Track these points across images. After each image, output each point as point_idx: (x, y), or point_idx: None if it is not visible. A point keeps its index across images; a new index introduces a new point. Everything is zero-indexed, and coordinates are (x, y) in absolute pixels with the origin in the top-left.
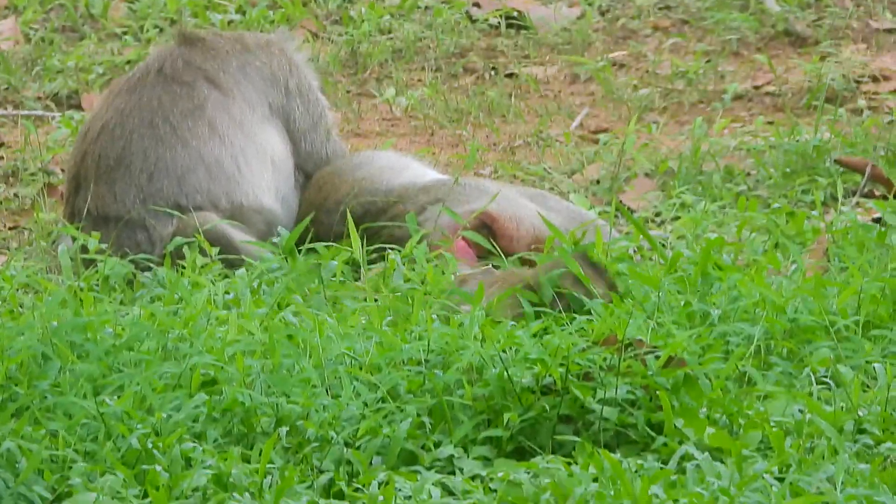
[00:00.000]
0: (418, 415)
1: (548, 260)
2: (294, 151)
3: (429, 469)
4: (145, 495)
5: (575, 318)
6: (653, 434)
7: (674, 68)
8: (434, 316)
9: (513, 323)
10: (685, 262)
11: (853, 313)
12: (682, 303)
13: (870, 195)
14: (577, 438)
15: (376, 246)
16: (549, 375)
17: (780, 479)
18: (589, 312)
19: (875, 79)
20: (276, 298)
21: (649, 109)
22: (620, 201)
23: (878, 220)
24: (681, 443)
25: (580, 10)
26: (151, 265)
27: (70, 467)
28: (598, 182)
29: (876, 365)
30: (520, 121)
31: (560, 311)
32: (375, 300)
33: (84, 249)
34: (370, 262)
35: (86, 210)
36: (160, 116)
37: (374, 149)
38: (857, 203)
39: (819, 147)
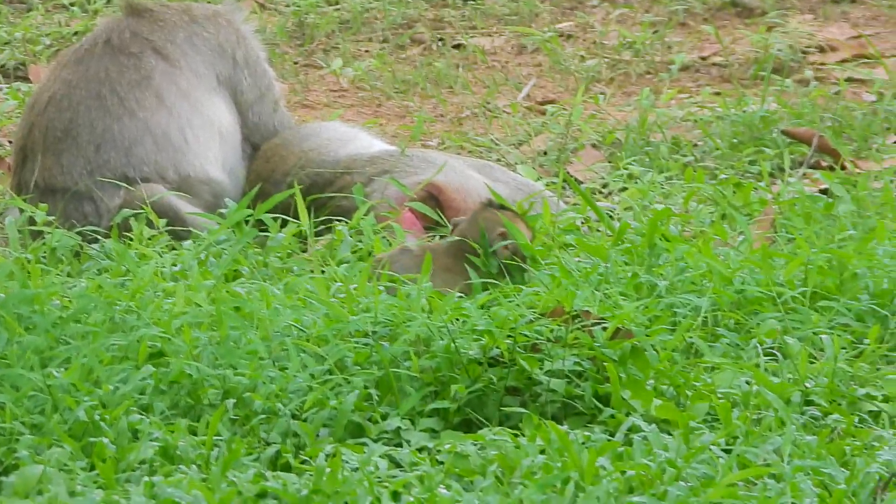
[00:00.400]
0: (365, 387)
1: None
2: (241, 123)
3: (376, 441)
4: (92, 468)
5: (522, 290)
6: (600, 406)
7: (621, 39)
8: (381, 287)
9: (459, 294)
10: (632, 233)
11: (800, 284)
12: (630, 274)
13: (816, 166)
14: (524, 410)
15: (323, 217)
16: (497, 347)
17: (727, 451)
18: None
19: (822, 49)
20: (224, 270)
21: (596, 80)
22: (567, 172)
23: (824, 191)
24: (628, 414)
25: None
26: (99, 237)
27: (17, 440)
28: (545, 153)
29: (823, 336)
30: (467, 92)
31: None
32: (323, 272)
33: (31, 221)
34: (317, 234)
35: (33, 182)
36: (108, 88)
37: (322, 120)
38: (804, 174)
39: (766, 118)
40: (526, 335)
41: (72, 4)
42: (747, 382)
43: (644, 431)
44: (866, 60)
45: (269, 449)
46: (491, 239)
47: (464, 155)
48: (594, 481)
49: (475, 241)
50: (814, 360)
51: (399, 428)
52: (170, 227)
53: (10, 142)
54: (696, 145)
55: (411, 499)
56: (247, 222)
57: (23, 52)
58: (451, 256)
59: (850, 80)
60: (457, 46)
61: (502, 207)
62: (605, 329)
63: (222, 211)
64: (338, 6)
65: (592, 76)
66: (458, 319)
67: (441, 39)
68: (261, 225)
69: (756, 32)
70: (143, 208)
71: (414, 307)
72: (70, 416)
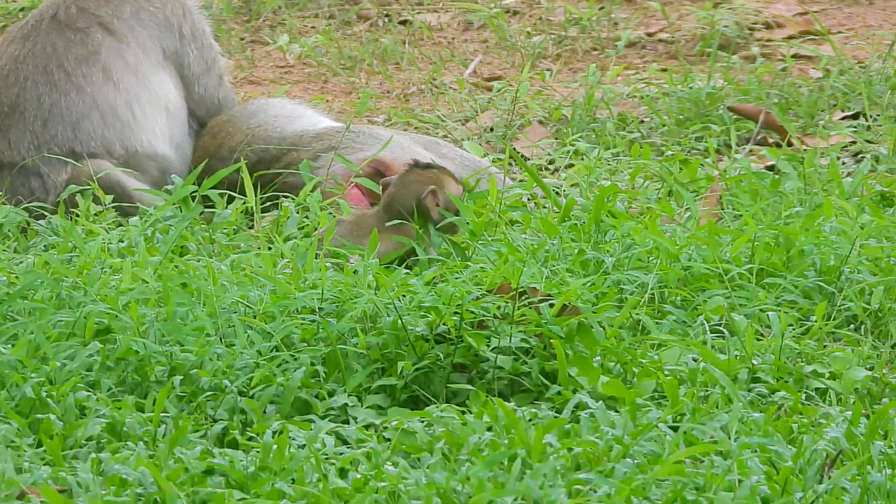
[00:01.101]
0: (312, 364)
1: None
2: (187, 97)
3: (323, 418)
4: (39, 444)
5: (468, 266)
6: (547, 383)
7: (567, 15)
8: (328, 264)
9: (406, 271)
10: (579, 209)
11: (747, 261)
12: (576, 251)
13: (763, 143)
14: (470, 387)
15: (270, 194)
16: (443, 324)
17: (675, 428)
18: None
19: (768, 26)
20: (170, 246)
21: (543, 57)
22: (514, 149)
23: (771, 168)
24: (575, 391)
25: None
26: (46, 213)
27: None
28: (491, 129)
29: (770, 313)
30: (413, 68)
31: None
32: (269, 248)
33: None
34: (264, 211)
35: None
36: (54, 63)
37: (268, 96)
38: (751, 151)
39: (712, 94)
40: (473, 312)
41: None
42: (694, 359)
43: (591, 408)
44: (813, 37)
45: (216, 426)
46: (421, 197)
47: (410, 131)
48: (541, 458)
49: (405, 202)
50: (761, 337)
51: (346, 405)
52: (116, 203)
53: None
54: (642, 122)
55: (358, 476)
56: (193, 198)
57: None
58: (384, 220)
59: (796, 56)
60: (403, 22)
61: (429, 166)
62: (551, 306)
63: (169, 187)
64: None
65: (539, 52)
66: (404, 296)
67: (387, 15)
68: (207, 201)
69: (702, 9)
70: (89, 184)
71: (360, 284)
72: (17, 392)
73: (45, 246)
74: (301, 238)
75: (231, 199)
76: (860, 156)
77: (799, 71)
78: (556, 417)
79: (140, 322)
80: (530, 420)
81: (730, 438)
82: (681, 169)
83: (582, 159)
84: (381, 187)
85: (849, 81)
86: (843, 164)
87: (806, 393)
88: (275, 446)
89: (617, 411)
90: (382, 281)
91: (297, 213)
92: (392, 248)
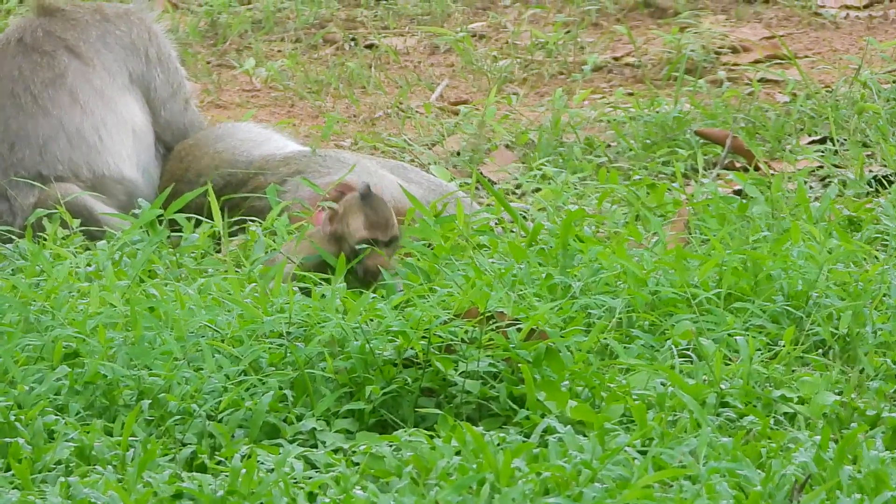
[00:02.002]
0: (280, 388)
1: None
2: (153, 121)
3: (291, 442)
4: (8, 468)
5: (436, 290)
6: (515, 407)
7: (533, 39)
8: (295, 288)
9: (374, 296)
10: (546, 234)
11: (714, 286)
12: (544, 275)
13: (730, 167)
14: (439, 411)
15: (237, 218)
16: (411, 348)
17: (643, 453)
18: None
19: (735, 50)
20: (138, 270)
21: (509, 81)
22: (481, 173)
23: (738, 192)
24: (543, 416)
25: None
26: (13, 237)
27: None
28: (458, 154)
29: (738, 338)
30: (380, 92)
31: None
32: (236, 272)
33: None
34: (231, 235)
35: None
36: (21, 86)
37: (235, 120)
38: (718, 175)
39: (679, 118)
40: (440, 336)
41: None
42: (662, 384)
43: (559, 433)
44: (779, 61)
45: (184, 450)
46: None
47: (377, 155)
48: (510, 482)
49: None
50: (729, 362)
51: (314, 429)
52: (84, 227)
53: None
54: (609, 146)
55: (327, 500)
56: (160, 222)
57: None
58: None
59: (763, 80)
60: (369, 46)
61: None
62: (519, 330)
63: (136, 211)
64: (250, 6)
65: (505, 76)
66: (372, 320)
67: (353, 39)
68: (175, 225)
69: (669, 33)
70: (57, 208)
71: (328, 308)
72: None
73: (12, 270)
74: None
75: (198, 223)
76: (827, 180)
77: (766, 95)
78: (524, 442)
79: (108, 346)
80: (499, 444)
81: (698, 463)
82: (648, 193)
83: (549, 183)
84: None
85: (816, 106)
86: (811, 188)
87: (774, 417)
88: (243, 470)
89: (585, 436)
90: (350, 305)
91: (264, 237)
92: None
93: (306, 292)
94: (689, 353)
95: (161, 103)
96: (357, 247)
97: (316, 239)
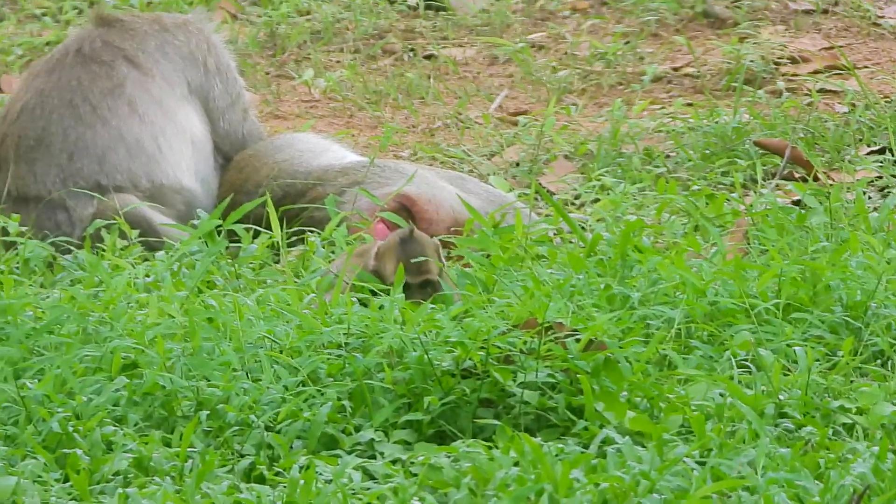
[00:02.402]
0: (339, 398)
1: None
2: (212, 130)
3: (349, 453)
4: (66, 479)
5: (495, 301)
6: (573, 418)
7: (593, 50)
8: (354, 299)
9: (432, 306)
10: (605, 244)
11: (773, 296)
12: (603, 286)
13: (789, 177)
14: (497, 422)
15: (296, 228)
16: (470, 359)
17: (701, 463)
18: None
19: (794, 60)
20: (196, 281)
21: (568, 91)
22: (540, 184)
23: (797, 203)
24: (601, 426)
25: None
26: (72, 248)
27: None
28: (517, 164)
29: (796, 348)
30: (439, 103)
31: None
32: (295, 283)
33: (4, 232)
34: (290, 245)
35: (6, 191)
36: (80, 96)
37: (293, 130)
38: (777, 185)
39: (738, 129)
40: (499, 347)
41: (43, 15)
42: (721, 394)
43: (618, 444)
44: (838, 71)
45: (242, 461)
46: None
47: (436, 166)
48: (568, 494)
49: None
50: (787, 373)
51: (372, 440)
52: (142, 238)
53: None
54: (668, 156)
55: None
56: (219, 233)
57: None
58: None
59: (822, 91)
60: (428, 57)
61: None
62: (578, 341)
63: (195, 222)
64: (309, 17)
65: (564, 87)
66: (431, 331)
67: (412, 50)
68: (233, 236)
69: (728, 43)
70: (115, 218)
71: (387, 319)
72: (44, 427)
73: (71, 281)
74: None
75: (257, 234)
76: (886, 190)
77: (825, 105)
78: (582, 452)
79: (166, 357)
80: (557, 455)
81: (757, 474)
82: (707, 204)
83: (608, 194)
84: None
85: (875, 116)
86: (869, 198)
87: (833, 428)
88: (301, 481)
89: (644, 446)
90: (409, 316)
91: (323, 247)
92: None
93: (365, 303)
94: (747, 363)
95: (220, 113)
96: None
97: (361, 263)
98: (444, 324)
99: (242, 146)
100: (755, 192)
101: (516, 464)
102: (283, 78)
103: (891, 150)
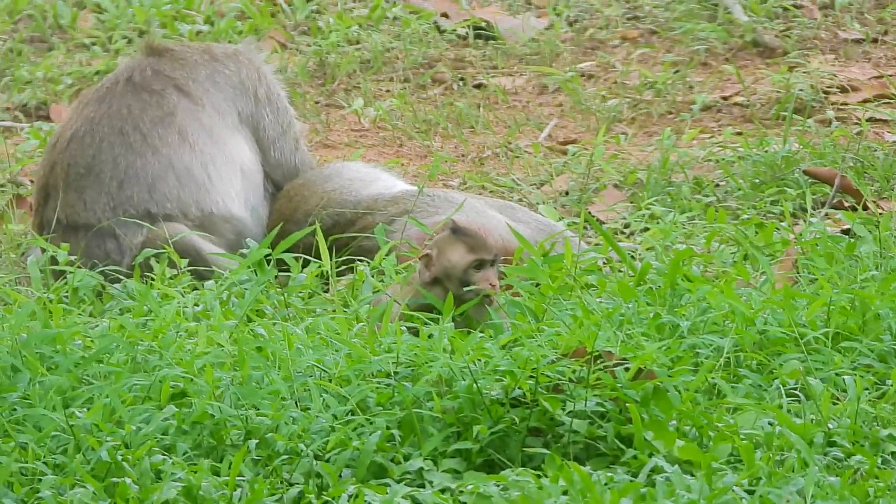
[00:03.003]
0: (388, 427)
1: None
2: (263, 160)
3: (398, 482)
4: None
5: (545, 330)
6: (622, 447)
7: (642, 79)
8: (403, 328)
9: (481, 335)
10: (654, 273)
11: (823, 325)
12: (652, 314)
13: (839, 206)
14: (546, 451)
15: (345, 257)
16: (519, 388)
17: (750, 492)
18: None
19: (843, 89)
20: (246, 310)
21: (618, 120)
22: (589, 212)
23: (847, 232)
24: (650, 455)
25: (548, 21)
26: (121, 276)
27: (40, 480)
28: (566, 193)
29: (846, 377)
30: (488, 132)
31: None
32: (344, 312)
33: (54, 261)
34: (339, 274)
35: (55, 219)
36: (130, 124)
37: (343, 160)
38: (826, 214)
39: (788, 158)
40: (548, 375)
41: (93, 44)
42: (770, 423)
43: (667, 472)
44: (888, 100)
45: (291, 490)
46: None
47: (485, 195)
48: None
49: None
50: (836, 401)
51: (422, 468)
52: (192, 267)
53: (31, 181)
54: (717, 185)
55: None
56: (268, 262)
57: (44, 92)
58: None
59: (871, 120)
60: (478, 86)
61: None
62: (627, 370)
63: (244, 251)
64: (359, 46)
65: (614, 116)
66: (480, 360)
67: (462, 79)
68: (283, 265)
69: (778, 72)
70: (165, 248)
71: (436, 347)
72: (92, 456)
73: (120, 310)
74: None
75: (306, 263)
76: None
77: (874, 134)
78: (631, 481)
79: (215, 386)
80: (606, 484)
81: (806, 502)
82: (756, 233)
83: (657, 223)
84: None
85: None
86: None
87: (882, 457)
88: None
89: (693, 475)
90: (458, 345)
91: (372, 276)
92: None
93: (414, 332)
94: (796, 392)
95: (270, 143)
96: (465, 275)
97: (411, 291)
98: (494, 353)
99: (293, 175)
100: (805, 221)
101: (565, 492)
102: (333, 107)
103: None
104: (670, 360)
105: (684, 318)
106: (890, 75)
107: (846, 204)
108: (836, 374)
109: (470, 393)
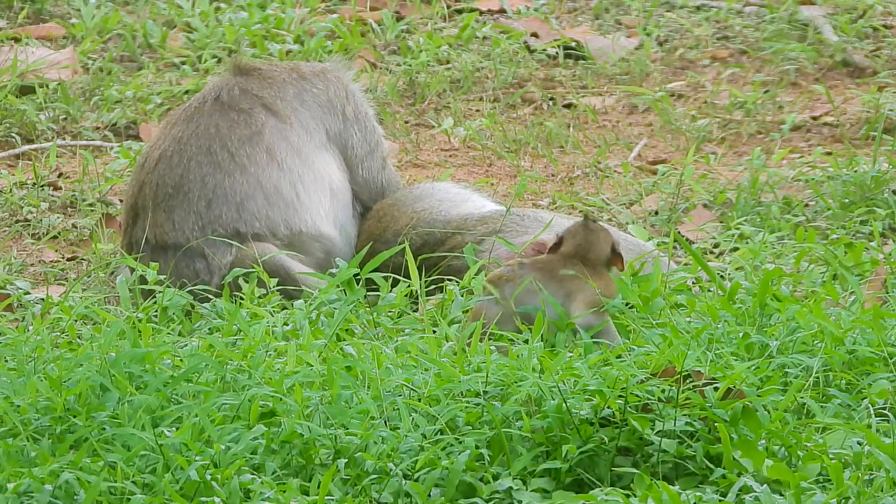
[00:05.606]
0: (477, 447)
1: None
2: (351, 179)
3: (487, 501)
4: None
5: (634, 350)
6: (711, 466)
7: (732, 99)
8: (493, 347)
9: (570, 354)
10: (743, 293)
11: None
12: (741, 334)
13: None
14: (635, 470)
15: (434, 277)
16: (608, 407)
17: None
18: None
19: None
20: (335, 330)
21: (707, 140)
22: (679, 232)
23: None
24: (739, 475)
25: (638, 41)
26: (210, 296)
27: (129, 499)
28: (656, 213)
29: None
30: (578, 151)
31: None
32: (434, 331)
33: (142, 280)
34: (428, 294)
35: (144, 239)
36: (218, 143)
37: (433, 179)
38: None
39: (877, 177)
40: (637, 395)
41: (182, 63)
42: (859, 443)
43: (756, 492)
44: None
45: None
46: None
47: (575, 215)
48: None
49: (591, 253)
50: None
51: (511, 488)
52: (281, 287)
53: (121, 200)
54: (807, 205)
55: None
56: (357, 281)
57: (134, 111)
58: (563, 265)
59: None
60: (567, 106)
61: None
62: (716, 389)
63: (333, 270)
64: (449, 65)
65: (703, 136)
66: (569, 379)
67: (552, 99)
68: (372, 284)
69: (867, 92)
70: (254, 267)
71: (525, 367)
72: (181, 475)
73: (209, 329)
74: (465, 321)
75: (395, 283)
76: None
77: None
78: (720, 500)
79: (305, 405)
80: (695, 503)
81: None
82: (845, 252)
83: (747, 243)
84: (555, 239)
85: None
86: None
87: None
88: None
89: (782, 494)
90: (547, 364)
91: (462, 296)
92: (563, 289)
93: (503, 351)
94: (885, 412)
95: (359, 161)
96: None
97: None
98: (583, 372)
99: (381, 195)
100: (894, 241)
101: None
102: (423, 126)
103: None
104: (759, 380)
105: (773, 338)
106: None
107: None
108: None
109: (559, 412)
